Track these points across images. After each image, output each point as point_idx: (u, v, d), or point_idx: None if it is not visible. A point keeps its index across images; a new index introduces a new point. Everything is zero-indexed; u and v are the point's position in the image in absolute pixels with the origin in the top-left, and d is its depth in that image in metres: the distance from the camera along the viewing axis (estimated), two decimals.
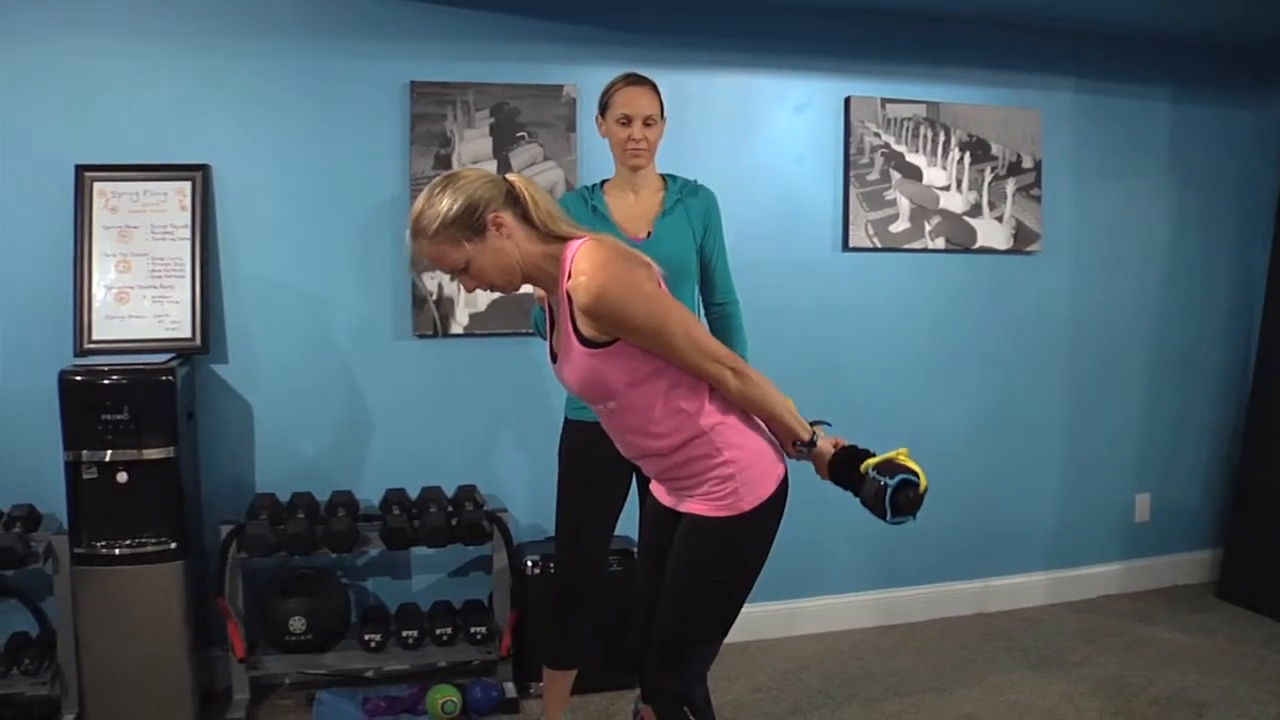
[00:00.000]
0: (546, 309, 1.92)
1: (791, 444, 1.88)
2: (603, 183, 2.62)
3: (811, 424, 1.89)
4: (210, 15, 3.03)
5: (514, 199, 1.78)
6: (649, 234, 2.50)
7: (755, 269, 3.28)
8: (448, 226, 1.73)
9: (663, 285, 1.81)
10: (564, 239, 1.79)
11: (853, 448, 1.87)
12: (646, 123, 2.50)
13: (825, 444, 1.88)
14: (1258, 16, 3.61)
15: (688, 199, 2.57)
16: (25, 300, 2.96)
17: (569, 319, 1.76)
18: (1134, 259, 4.02)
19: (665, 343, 1.75)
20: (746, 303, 2.66)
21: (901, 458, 1.81)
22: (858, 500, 1.84)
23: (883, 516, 1.78)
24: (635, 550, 2.61)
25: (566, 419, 2.58)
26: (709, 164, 3.41)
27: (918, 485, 1.76)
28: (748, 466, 1.83)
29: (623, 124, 2.49)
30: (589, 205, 2.53)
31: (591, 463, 2.48)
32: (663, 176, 2.62)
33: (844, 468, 1.85)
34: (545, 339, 2.35)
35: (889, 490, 1.75)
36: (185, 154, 3.02)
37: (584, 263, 1.71)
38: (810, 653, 3.50)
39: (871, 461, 1.82)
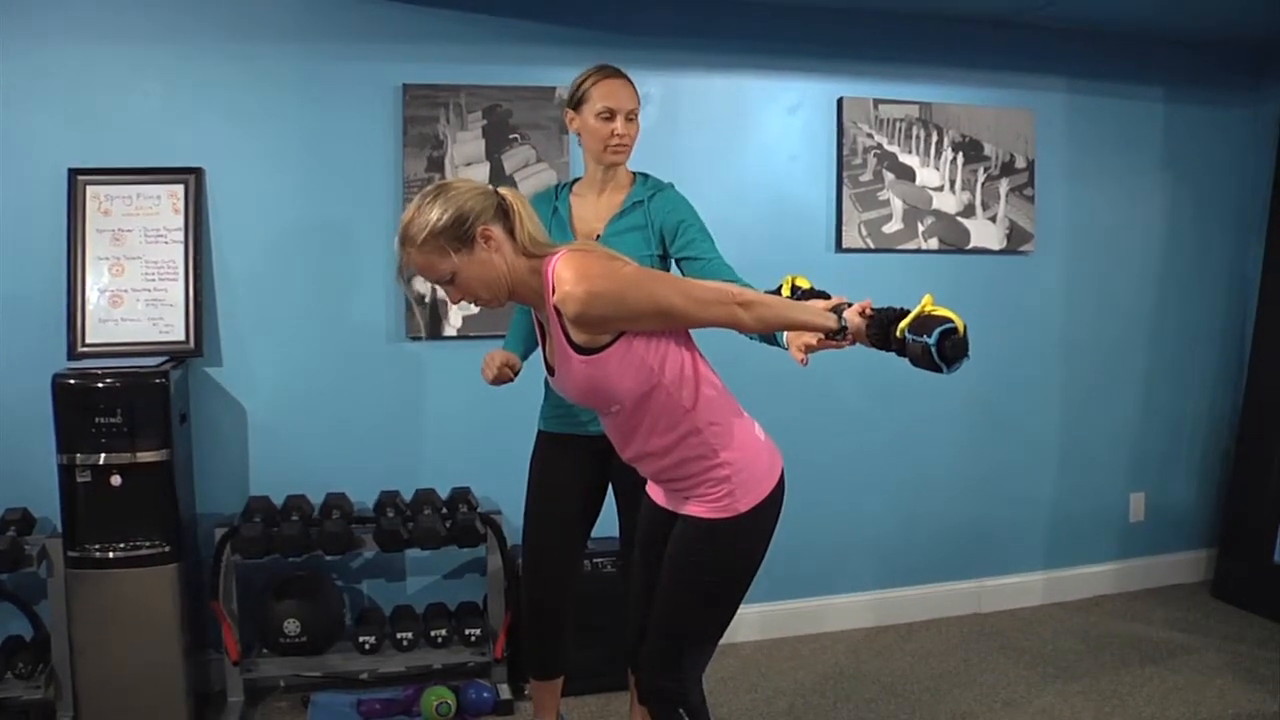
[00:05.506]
0: (536, 324, 1.92)
1: (826, 337, 1.86)
2: (574, 182, 2.52)
3: (833, 308, 1.87)
4: (202, 18, 3.03)
5: (504, 213, 1.78)
6: (598, 236, 2.37)
7: (747, 271, 3.25)
8: (436, 236, 1.73)
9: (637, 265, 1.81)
10: (544, 256, 1.79)
11: (881, 313, 1.84)
12: (629, 117, 2.37)
13: (855, 319, 1.84)
14: (1251, 15, 3.62)
15: (650, 200, 2.41)
16: (19, 304, 2.96)
17: (561, 331, 1.76)
18: (1128, 258, 4.03)
19: (670, 313, 1.75)
20: None
21: (929, 308, 1.80)
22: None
23: (939, 371, 1.77)
24: (617, 551, 2.60)
25: (539, 431, 2.51)
26: (702, 165, 3.43)
27: (956, 329, 1.75)
28: (744, 468, 1.84)
29: (605, 119, 2.35)
30: (552, 206, 2.44)
31: (563, 477, 2.43)
32: (634, 174, 2.48)
33: (881, 337, 1.83)
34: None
35: (933, 348, 1.74)
36: (178, 157, 3.02)
37: (566, 272, 1.71)
38: (806, 653, 3.50)
39: (904, 324, 1.80)
